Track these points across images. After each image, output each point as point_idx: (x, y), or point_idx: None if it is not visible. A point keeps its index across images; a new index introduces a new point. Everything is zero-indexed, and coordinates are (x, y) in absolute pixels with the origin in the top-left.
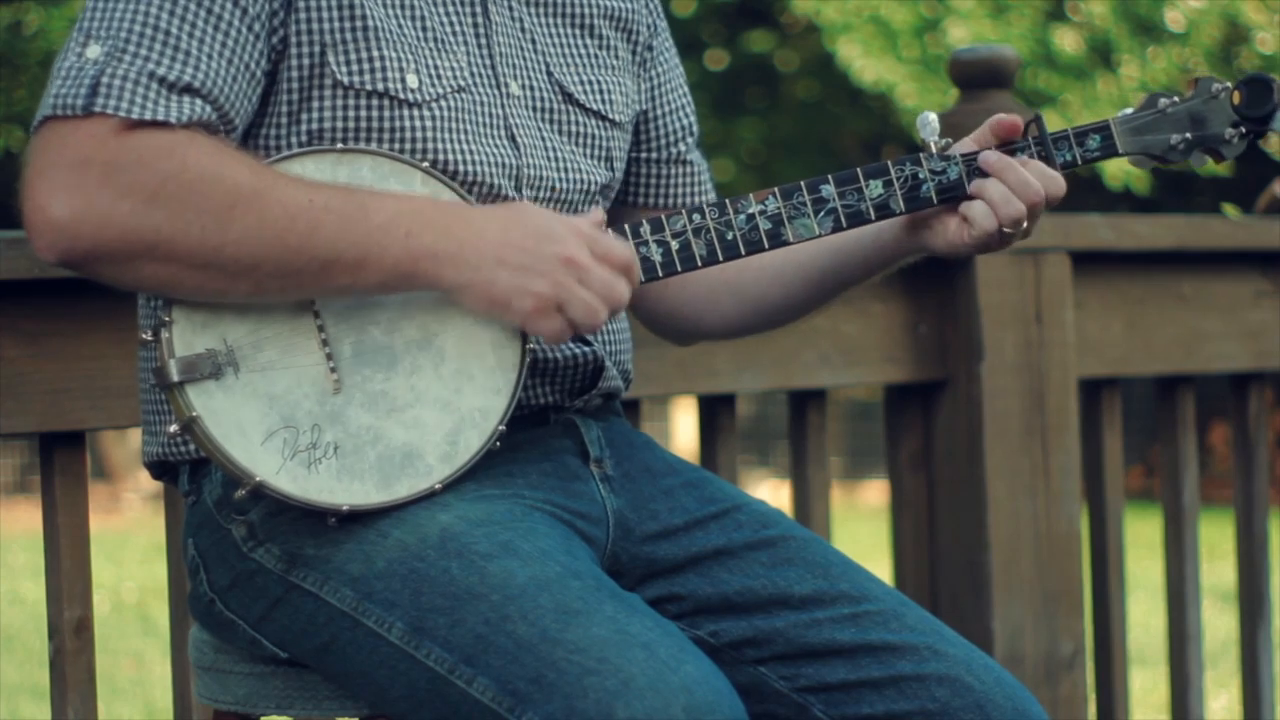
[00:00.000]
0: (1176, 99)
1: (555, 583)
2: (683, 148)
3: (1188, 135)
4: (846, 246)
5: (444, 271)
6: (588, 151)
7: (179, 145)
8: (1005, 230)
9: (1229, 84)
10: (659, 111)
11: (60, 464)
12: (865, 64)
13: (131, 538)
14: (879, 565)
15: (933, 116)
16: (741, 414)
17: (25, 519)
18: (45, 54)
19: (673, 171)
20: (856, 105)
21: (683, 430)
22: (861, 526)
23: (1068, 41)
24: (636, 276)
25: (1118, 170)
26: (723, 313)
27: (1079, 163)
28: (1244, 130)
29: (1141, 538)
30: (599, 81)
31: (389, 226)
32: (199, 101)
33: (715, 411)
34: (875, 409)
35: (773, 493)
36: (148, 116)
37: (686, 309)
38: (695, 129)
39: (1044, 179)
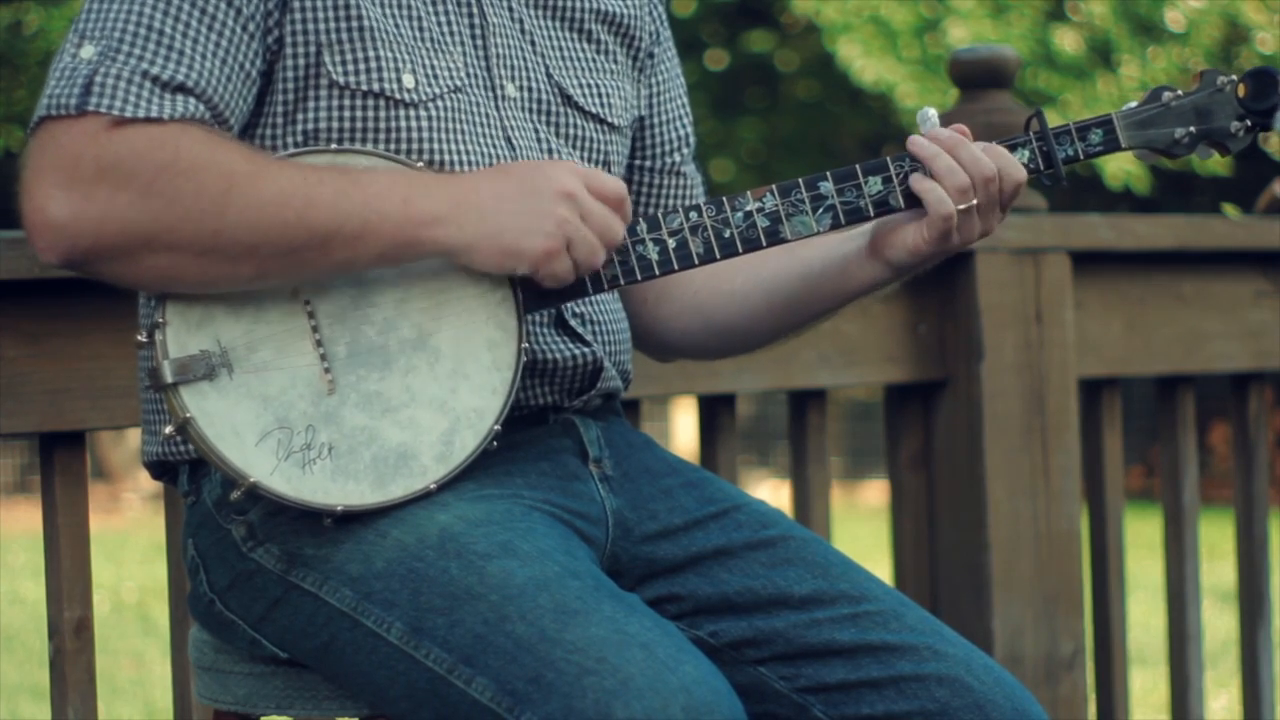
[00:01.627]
0: (1180, 92)
1: (554, 582)
2: (678, 158)
3: (1192, 129)
4: (811, 276)
5: (448, 233)
6: (585, 155)
7: (170, 136)
8: (958, 209)
9: (1234, 77)
10: (656, 120)
11: (60, 464)
12: (865, 64)
13: (131, 538)
14: (879, 565)
15: (932, 112)
16: (741, 414)
17: (25, 519)
18: (45, 54)
19: (666, 181)
20: (856, 105)
21: (683, 430)
22: (861, 526)
23: (1068, 41)
24: (628, 211)
25: (1118, 170)
26: (691, 335)
27: (1081, 157)
28: (1249, 123)
29: (1141, 538)
30: (598, 85)
31: (385, 194)
32: (192, 100)
33: (715, 411)
34: (875, 409)
35: (773, 493)
36: (140, 114)
37: (658, 326)
38: (692, 140)
39: (997, 159)
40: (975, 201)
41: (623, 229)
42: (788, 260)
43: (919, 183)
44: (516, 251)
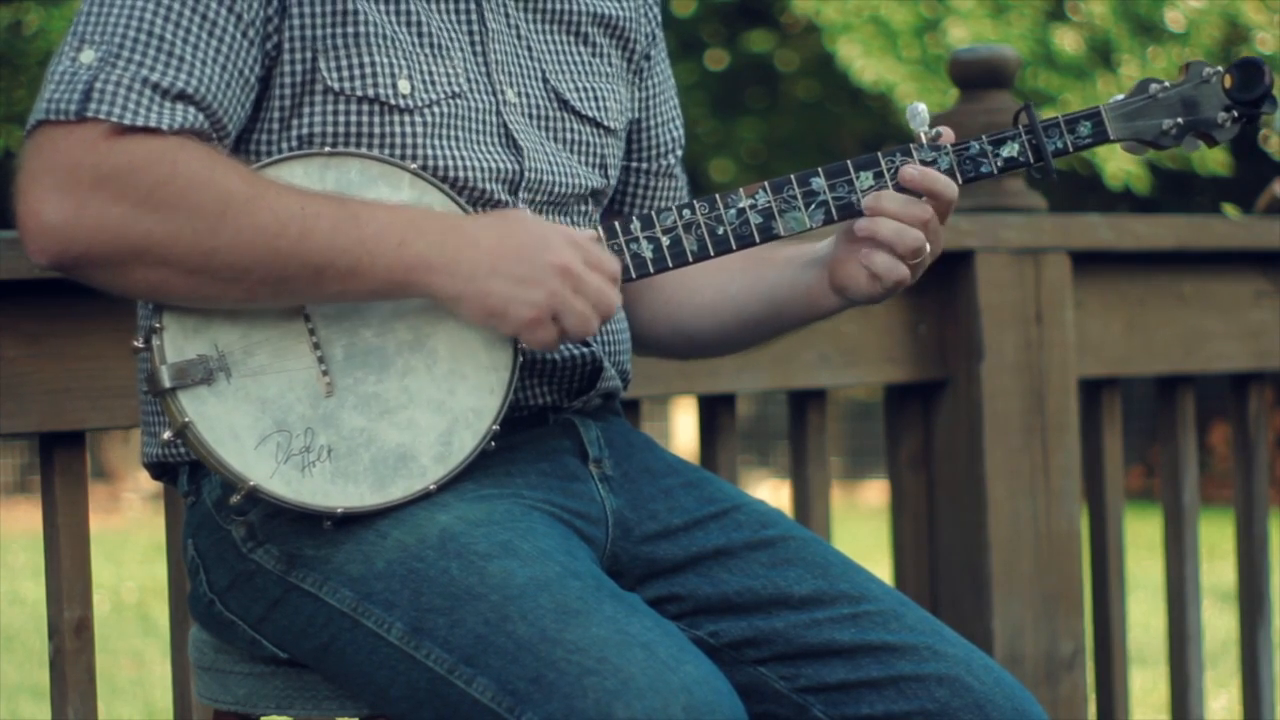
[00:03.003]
0: (1168, 84)
1: (555, 583)
2: (671, 160)
3: (1180, 120)
4: (778, 299)
5: (438, 281)
6: (583, 158)
7: (170, 151)
8: (912, 264)
9: (1220, 68)
10: (652, 122)
11: (60, 464)
12: (865, 64)
13: (131, 538)
14: (879, 565)
15: (922, 107)
16: (741, 414)
17: (25, 519)
18: (45, 54)
19: (661, 184)
20: (856, 105)
21: (683, 430)
22: (861, 526)
23: (1068, 41)
24: (618, 287)
25: (1118, 170)
26: (662, 338)
27: (1070, 150)
28: (1236, 114)
29: (1141, 538)
30: (594, 89)
31: (382, 235)
32: (192, 108)
33: (715, 411)
34: (875, 409)
35: (773, 493)
36: (140, 122)
37: (637, 328)
38: (683, 143)
39: (932, 189)
40: (929, 251)
41: (618, 299)
42: (753, 281)
43: (872, 262)
44: (501, 315)
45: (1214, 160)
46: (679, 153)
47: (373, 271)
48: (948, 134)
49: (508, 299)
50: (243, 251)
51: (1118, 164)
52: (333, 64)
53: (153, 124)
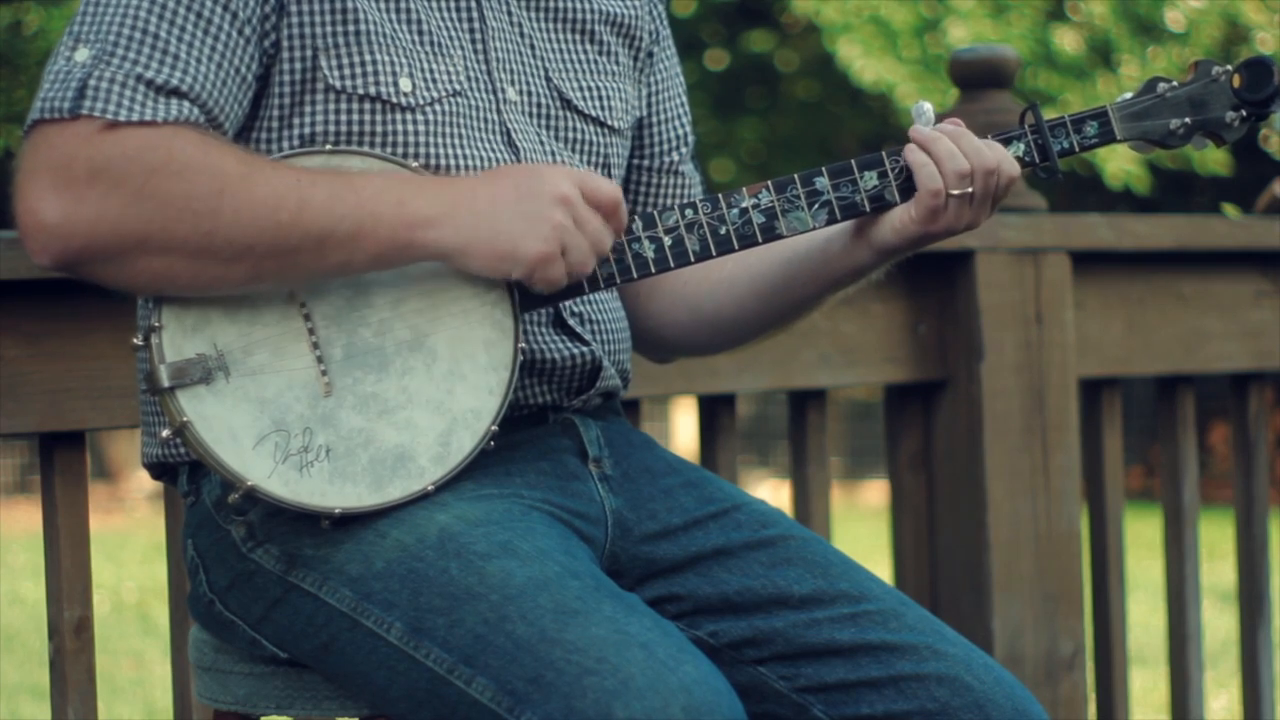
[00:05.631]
0: (1175, 83)
1: (554, 582)
2: (675, 157)
3: (1187, 119)
4: (795, 259)
5: (443, 235)
6: (585, 158)
7: (163, 138)
8: (951, 193)
9: (1229, 67)
10: (654, 119)
11: (60, 464)
12: (865, 64)
13: (131, 538)
14: (879, 565)
15: (927, 106)
16: (741, 414)
17: (25, 519)
18: (45, 54)
19: (665, 180)
20: (856, 105)
21: (683, 430)
22: (861, 526)
23: (1068, 41)
24: (623, 218)
25: (1118, 170)
26: (680, 327)
27: (1077, 150)
28: (1245, 113)
29: (1141, 538)
30: (598, 88)
31: (380, 196)
32: (186, 104)
33: (715, 411)
34: (875, 409)
35: (773, 493)
36: (135, 118)
37: (651, 322)
38: (690, 139)
39: (996, 153)
40: (971, 190)
41: (611, 239)
42: (769, 248)
43: (912, 154)
44: (512, 255)
45: (1214, 160)
46: (684, 150)
47: (376, 233)
48: (957, 124)
49: (515, 237)
50: (243, 229)
51: (1118, 164)
52: (334, 62)
53: (147, 118)
